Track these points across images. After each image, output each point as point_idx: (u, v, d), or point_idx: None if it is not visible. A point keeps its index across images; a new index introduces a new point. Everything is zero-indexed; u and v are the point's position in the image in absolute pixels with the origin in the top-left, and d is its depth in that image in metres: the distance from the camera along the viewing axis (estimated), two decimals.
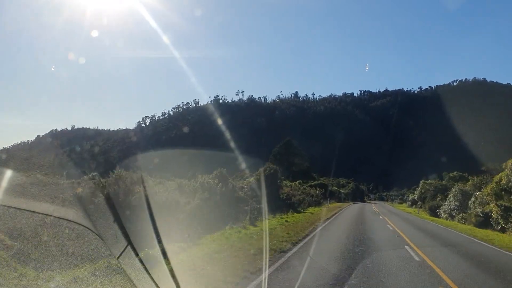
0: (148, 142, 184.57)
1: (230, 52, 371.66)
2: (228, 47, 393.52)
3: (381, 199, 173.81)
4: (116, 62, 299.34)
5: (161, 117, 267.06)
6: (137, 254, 8.76)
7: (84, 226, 8.04)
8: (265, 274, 9.12)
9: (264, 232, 14.94)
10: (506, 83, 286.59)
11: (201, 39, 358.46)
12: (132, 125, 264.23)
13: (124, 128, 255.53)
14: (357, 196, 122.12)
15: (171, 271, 8.28)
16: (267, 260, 10.47)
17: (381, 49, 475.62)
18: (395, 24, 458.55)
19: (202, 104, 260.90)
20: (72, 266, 7.85)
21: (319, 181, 79.24)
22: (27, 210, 7.57)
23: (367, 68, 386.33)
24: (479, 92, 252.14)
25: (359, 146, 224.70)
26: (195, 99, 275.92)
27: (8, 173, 8.16)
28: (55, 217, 7.63)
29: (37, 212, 7.61)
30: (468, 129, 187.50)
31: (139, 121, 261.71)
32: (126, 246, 8.79)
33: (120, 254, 8.57)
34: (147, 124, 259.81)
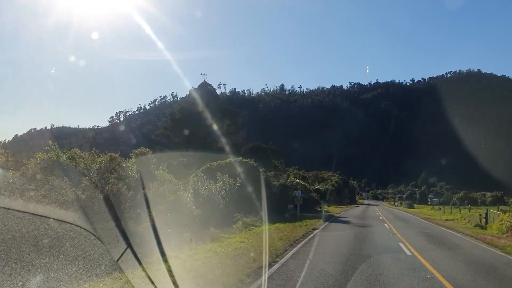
0: (119, 139, 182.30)
1: (215, 47, 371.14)
2: (213, 42, 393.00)
3: (375, 197, 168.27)
4: (98, 60, 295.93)
5: (136, 112, 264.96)
6: (136, 257, 9.21)
7: (84, 229, 8.45)
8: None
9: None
10: (501, 74, 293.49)
11: (185, 36, 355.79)
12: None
13: (100, 126, 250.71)
14: (345, 197, 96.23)
15: (171, 274, 8.74)
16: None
17: (370, 41, 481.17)
18: (383, 14, 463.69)
19: (180, 98, 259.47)
20: (72, 268, 8.25)
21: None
22: (27, 212, 7.94)
23: (367, 71, 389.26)
24: (474, 83, 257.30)
25: (349, 140, 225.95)
26: (173, 92, 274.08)
27: (6, 174, 8.50)
28: (54, 219, 8.02)
29: (36, 215, 7.98)
30: (464, 122, 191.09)
31: (112, 117, 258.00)
32: (126, 249, 9.24)
33: (120, 257, 9.02)
34: (121, 119, 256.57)
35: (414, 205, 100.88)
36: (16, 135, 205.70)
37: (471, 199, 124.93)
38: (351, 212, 54.33)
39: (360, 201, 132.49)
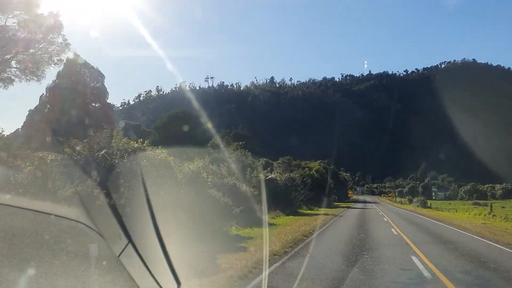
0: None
1: (204, 41, 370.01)
2: (202, 36, 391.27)
3: (371, 192, 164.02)
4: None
5: (120, 108, 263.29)
6: (138, 252, 9.52)
7: (85, 225, 8.73)
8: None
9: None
10: (496, 64, 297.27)
11: (173, 30, 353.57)
12: None
13: None
14: (331, 192, 72.61)
15: (172, 269, 9.10)
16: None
17: (362, 32, 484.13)
18: (375, 5, 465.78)
19: (165, 92, 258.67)
20: (73, 265, 8.56)
21: None
22: (28, 209, 8.21)
23: (365, 66, 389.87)
24: (469, 74, 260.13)
25: (342, 133, 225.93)
26: (158, 86, 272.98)
27: (7, 171, 8.77)
28: (56, 215, 8.31)
29: (38, 211, 8.26)
30: (461, 113, 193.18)
31: None
32: (127, 244, 9.54)
33: (121, 252, 9.32)
34: None
35: (429, 202, 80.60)
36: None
37: (479, 192, 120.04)
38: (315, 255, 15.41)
39: (354, 197, 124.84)
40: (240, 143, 52.53)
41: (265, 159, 56.94)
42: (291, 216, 35.07)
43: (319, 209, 51.54)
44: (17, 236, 8.19)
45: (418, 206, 70.50)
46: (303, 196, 48.31)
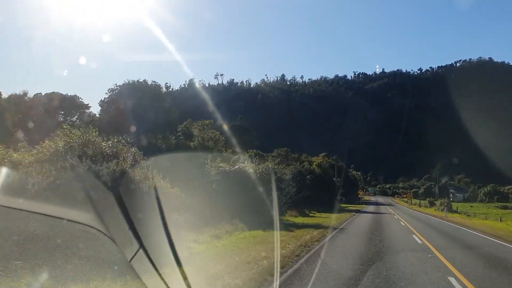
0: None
1: (216, 40, 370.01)
2: (214, 35, 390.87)
3: (384, 193, 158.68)
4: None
5: None
6: (149, 257, 9.65)
7: (97, 229, 8.87)
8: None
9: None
10: None
11: (183, 30, 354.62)
12: None
13: None
14: (335, 193, 55.47)
15: (183, 273, 9.20)
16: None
17: (375, 29, 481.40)
18: (388, 2, 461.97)
19: (174, 89, 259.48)
20: (85, 269, 8.70)
21: None
22: (41, 214, 8.37)
23: (377, 70, 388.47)
24: (485, 73, 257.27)
25: (354, 132, 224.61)
26: (167, 83, 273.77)
27: (21, 177, 8.95)
28: (68, 220, 8.46)
29: (50, 216, 8.42)
30: (476, 112, 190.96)
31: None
32: (138, 249, 9.68)
33: (133, 257, 9.46)
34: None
35: (455, 205, 70.15)
36: None
37: (500, 194, 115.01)
38: None
39: (366, 198, 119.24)
40: (207, 121, 42.19)
41: (255, 151, 47.11)
42: (258, 231, 18.85)
43: (317, 214, 39.81)
44: (30, 240, 8.36)
45: (444, 210, 56.81)
46: (288, 197, 30.81)
